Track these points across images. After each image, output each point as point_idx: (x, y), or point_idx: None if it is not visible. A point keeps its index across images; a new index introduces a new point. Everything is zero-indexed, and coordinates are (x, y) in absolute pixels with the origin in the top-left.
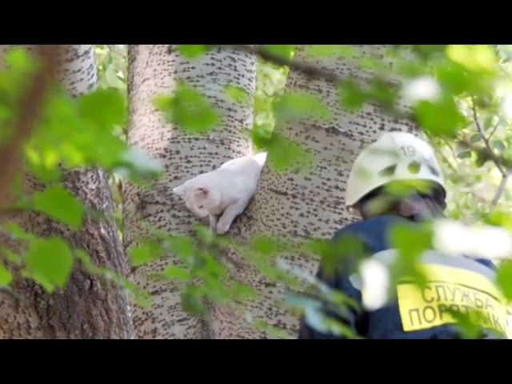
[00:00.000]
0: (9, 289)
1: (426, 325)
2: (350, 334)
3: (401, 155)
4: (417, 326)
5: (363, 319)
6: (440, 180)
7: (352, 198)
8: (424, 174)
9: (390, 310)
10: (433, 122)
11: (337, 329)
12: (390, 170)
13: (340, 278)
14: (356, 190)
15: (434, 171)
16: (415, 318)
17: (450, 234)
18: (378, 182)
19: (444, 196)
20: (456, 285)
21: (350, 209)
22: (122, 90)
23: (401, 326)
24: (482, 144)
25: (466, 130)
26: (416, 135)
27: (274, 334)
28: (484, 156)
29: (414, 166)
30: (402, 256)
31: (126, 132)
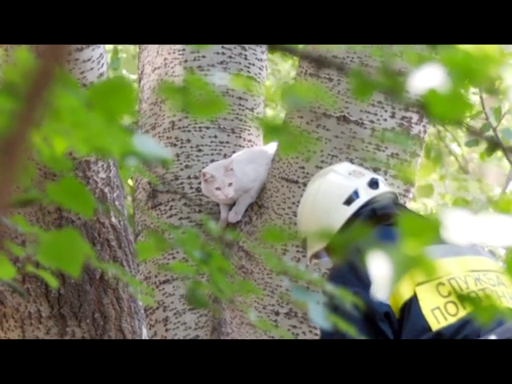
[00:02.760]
0: (13, 283)
1: (451, 319)
2: (355, 333)
3: (353, 179)
4: (443, 323)
5: (398, 331)
6: (393, 189)
7: (323, 239)
8: (383, 188)
9: (415, 315)
10: (441, 110)
11: (343, 326)
12: (353, 196)
13: (368, 300)
14: (327, 228)
15: (386, 183)
16: (439, 315)
17: (458, 223)
18: (349, 210)
19: (402, 203)
20: (465, 272)
21: (314, 260)
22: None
23: (428, 327)
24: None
25: (474, 120)
26: (425, 125)
27: (284, 322)
28: (494, 145)
29: (375, 183)
30: (410, 245)
31: (136, 121)
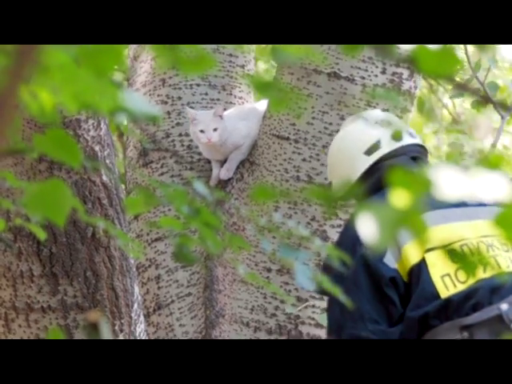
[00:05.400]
0: (2, 236)
1: (461, 287)
2: (339, 293)
3: (378, 128)
4: (452, 290)
5: (405, 295)
6: (420, 141)
7: (342, 188)
8: (407, 140)
9: (424, 281)
10: (431, 65)
11: (327, 285)
12: (375, 146)
13: (374, 264)
14: (347, 176)
15: (412, 135)
16: (449, 282)
17: (448, 179)
18: (369, 160)
19: (427, 155)
20: (478, 238)
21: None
22: None
23: (437, 293)
24: (476, 86)
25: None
26: (415, 81)
27: (276, 279)
28: (483, 100)
29: (398, 134)
30: (399, 199)
31: (127, 79)
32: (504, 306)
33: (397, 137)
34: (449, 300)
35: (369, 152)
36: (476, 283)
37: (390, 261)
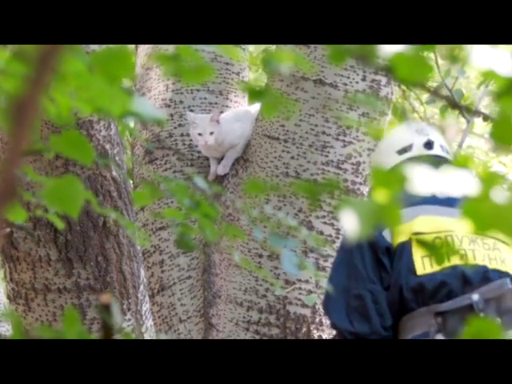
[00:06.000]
0: (24, 225)
1: (436, 268)
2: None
3: (416, 135)
4: (428, 270)
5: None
6: (450, 157)
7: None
8: (437, 151)
9: (405, 257)
10: (406, 73)
11: (311, 268)
12: (407, 148)
13: (375, 235)
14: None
15: (443, 148)
16: (427, 263)
17: (422, 175)
18: (399, 158)
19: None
20: (465, 233)
21: None
22: (130, 47)
23: (414, 270)
24: (445, 92)
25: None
26: (392, 87)
27: (267, 264)
28: (451, 104)
29: (429, 144)
30: (379, 194)
31: (134, 85)
32: (475, 297)
33: (426, 146)
34: (423, 284)
35: (400, 152)
36: (450, 268)
37: (387, 235)
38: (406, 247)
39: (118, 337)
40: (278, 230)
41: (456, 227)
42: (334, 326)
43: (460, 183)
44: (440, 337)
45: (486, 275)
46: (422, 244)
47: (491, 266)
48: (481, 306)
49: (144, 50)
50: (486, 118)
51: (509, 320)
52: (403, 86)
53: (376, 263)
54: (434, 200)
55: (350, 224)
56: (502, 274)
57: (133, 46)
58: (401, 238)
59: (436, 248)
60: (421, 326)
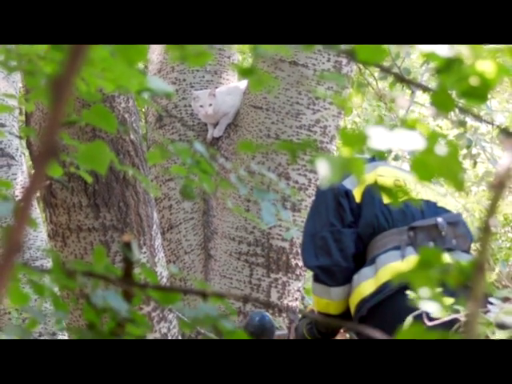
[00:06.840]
0: (61, 179)
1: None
2: (324, 208)
3: None
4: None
5: (357, 211)
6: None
7: None
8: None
9: (376, 193)
10: (366, 56)
11: (287, 215)
12: None
13: (336, 184)
14: None
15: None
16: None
17: (379, 135)
18: None
19: None
20: (416, 181)
21: None
22: None
23: (381, 199)
24: (396, 71)
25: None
26: (351, 66)
27: (254, 208)
28: (399, 79)
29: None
30: (345, 150)
31: (146, 67)
32: (439, 219)
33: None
34: (391, 210)
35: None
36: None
37: (347, 184)
38: (373, 187)
39: (136, 269)
40: (261, 183)
41: (408, 177)
42: (305, 264)
43: (409, 141)
44: (410, 249)
45: (436, 209)
46: (382, 187)
47: (439, 204)
48: (444, 227)
49: None
50: (425, 89)
51: (461, 242)
52: (360, 65)
53: (336, 206)
54: (387, 163)
55: (323, 174)
56: (447, 211)
57: None
58: (368, 182)
59: (393, 190)
60: (392, 242)
